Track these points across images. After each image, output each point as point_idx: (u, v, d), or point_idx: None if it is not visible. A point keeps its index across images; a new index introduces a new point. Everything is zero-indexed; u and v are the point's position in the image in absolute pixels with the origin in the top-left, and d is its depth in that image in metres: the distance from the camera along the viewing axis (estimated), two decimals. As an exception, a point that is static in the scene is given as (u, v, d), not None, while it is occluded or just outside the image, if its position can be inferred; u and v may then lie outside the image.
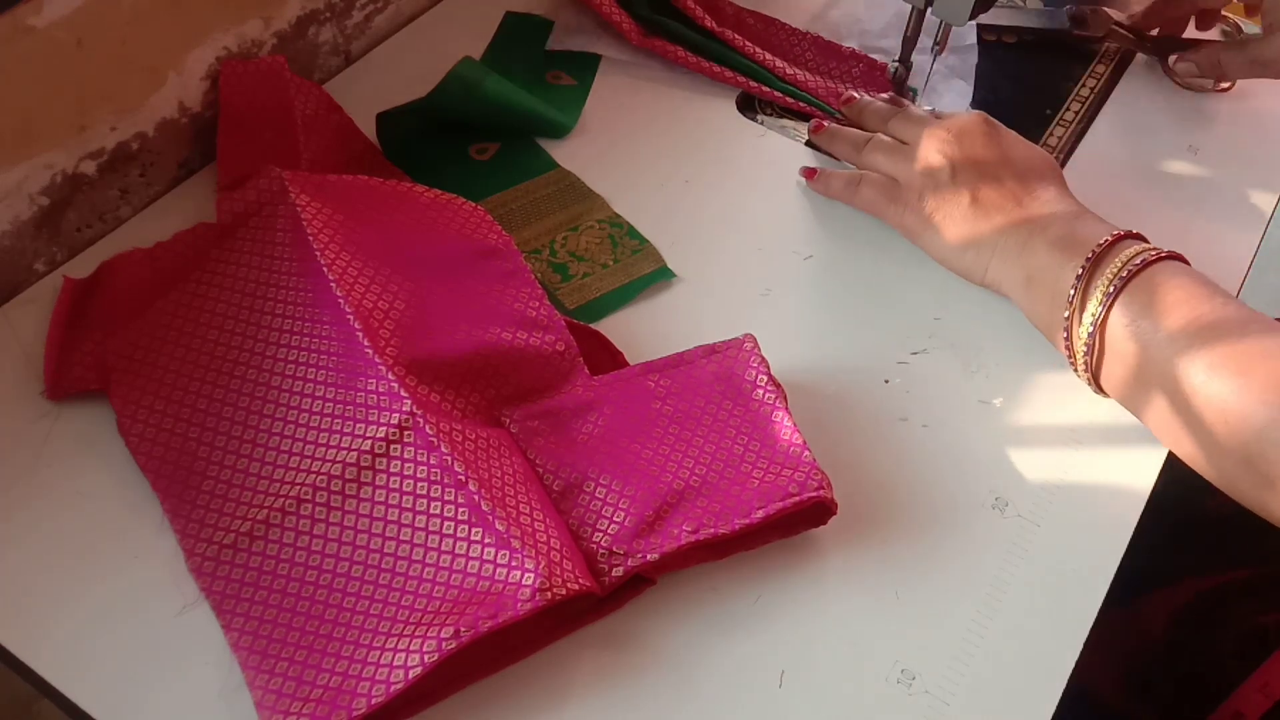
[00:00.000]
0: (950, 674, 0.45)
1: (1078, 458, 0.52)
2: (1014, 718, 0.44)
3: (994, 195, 0.55)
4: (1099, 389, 0.52)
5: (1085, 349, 0.50)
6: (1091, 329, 0.49)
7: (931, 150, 0.56)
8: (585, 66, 0.69)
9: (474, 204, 0.55)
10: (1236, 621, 0.68)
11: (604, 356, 0.53)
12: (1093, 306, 0.49)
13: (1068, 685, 0.45)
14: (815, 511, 0.46)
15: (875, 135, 0.61)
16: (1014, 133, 0.58)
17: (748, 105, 0.68)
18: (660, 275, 0.58)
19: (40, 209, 0.53)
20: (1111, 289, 0.49)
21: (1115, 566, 0.48)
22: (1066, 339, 0.51)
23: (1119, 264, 0.49)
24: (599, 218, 0.60)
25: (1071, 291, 0.50)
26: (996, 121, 0.58)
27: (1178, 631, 0.70)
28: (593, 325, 0.55)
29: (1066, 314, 0.50)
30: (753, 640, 0.45)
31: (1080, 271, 0.50)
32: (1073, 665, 0.45)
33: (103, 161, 0.55)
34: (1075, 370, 0.52)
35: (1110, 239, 0.50)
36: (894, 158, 0.58)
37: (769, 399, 0.48)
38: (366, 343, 0.47)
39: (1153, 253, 0.49)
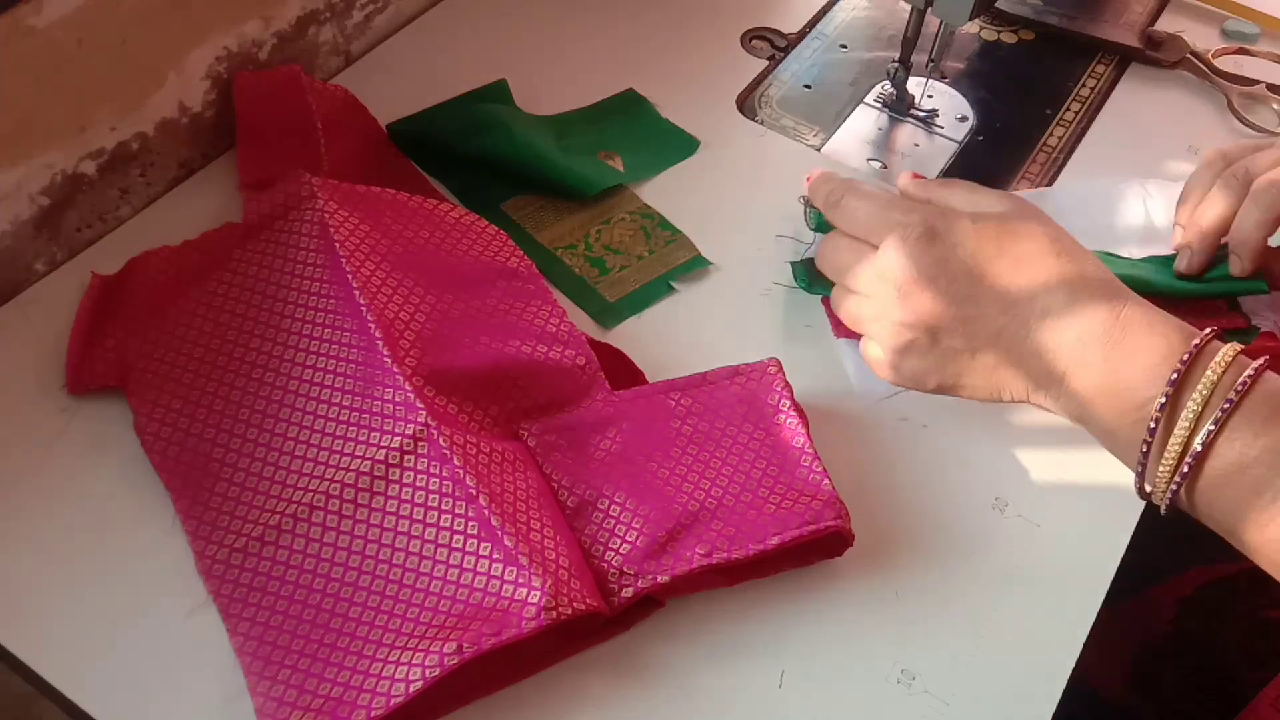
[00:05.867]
0: (950, 674, 0.45)
1: (1078, 458, 0.52)
2: (1014, 718, 0.44)
3: (993, 333, 0.45)
4: (1173, 514, 0.43)
5: (1172, 486, 0.41)
6: (1186, 464, 0.40)
7: (893, 319, 0.46)
8: (643, 168, 0.63)
9: (497, 228, 0.56)
10: (1242, 615, 0.68)
11: (624, 376, 0.53)
12: (1179, 434, 0.40)
13: (1070, 682, 0.45)
14: (831, 542, 0.46)
15: (824, 265, 0.51)
16: (957, 210, 0.47)
17: (747, 105, 0.68)
18: (696, 264, 0.58)
19: (40, 209, 0.53)
20: (1213, 422, 0.40)
21: (1115, 566, 0.49)
22: (1141, 468, 0.42)
23: (1212, 378, 0.40)
24: (629, 209, 0.61)
25: (1153, 424, 0.41)
26: (935, 226, 0.46)
27: (1183, 625, 0.70)
28: (618, 321, 0.56)
29: (1151, 428, 0.41)
30: (752, 640, 0.45)
31: (1168, 389, 0.41)
32: (1073, 665, 0.45)
33: (103, 161, 0.55)
34: (1144, 496, 0.43)
35: (1202, 340, 0.41)
36: (860, 317, 0.49)
37: (790, 424, 0.48)
38: (386, 352, 0.47)
39: (1255, 365, 0.41)
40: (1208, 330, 0.42)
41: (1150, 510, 0.50)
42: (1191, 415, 0.40)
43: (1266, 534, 0.39)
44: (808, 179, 0.53)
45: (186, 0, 0.55)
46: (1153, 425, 0.41)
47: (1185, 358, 0.41)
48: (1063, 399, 0.44)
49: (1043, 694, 0.45)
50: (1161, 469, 0.41)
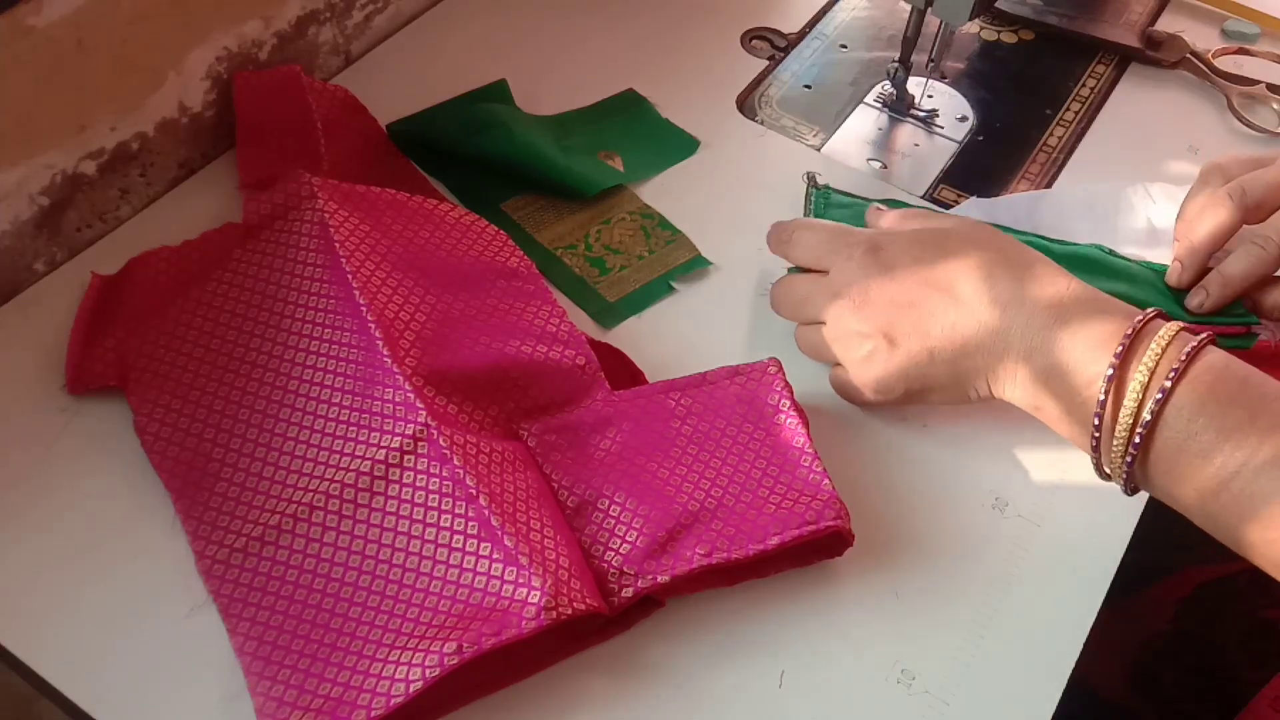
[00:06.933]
0: (950, 674, 0.45)
1: (1078, 458, 0.52)
2: (1014, 718, 0.44)
3: (947, 329, 0.47)
4: (1134, 492, 0.45)
5: (1126, 458, 0.43)
6: (1138, 434, 0.42)
7: (850, 327, 0.49)
8: (643, 168, 0.63)
9: (497, 228, 0.56)
10: (1242, 615, 0.68)
11: (624, 376, 0.53)
12: (1129, 406, 0.42)
13: (1070, 682, 0.45)
14: (831, 542, 0.46)
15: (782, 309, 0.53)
16: (902, 239, 0.49)
17: (747, 105, 0.68)
18: (696, 264, 0.58)
19: (40, 209, 0.53)
20: (1159, 392, 0.41)
21: (1115, 566, 0.48)
22: (1095, 444, 0.44)
23: (1156, 351, 0.42)
24: (629, 209, 0.61)
25: (1102, 395, 0.43)
26: (872, 247, 0.49)
27: (1183, 625, 0.70)
28: (618, 321, 0.56)
29: (1097, 413, 0.43)
30: (752, 640, 0.45)
31: (1114, 362, 0.43)
32: (1073, 665, 0.45)
33: (103, 161, 0.55)
34: (1101, 473, 0.45)
35: (1142, 320, 0.43)
36: (825, 341, 0.51)
37: (790, 424, 0.48)
38: (386, 352, 0.47)
39: (1194, 342, 0.42)
40: (1150, 310, 0.44)
41: (1150, 509, 0.50)
42: (1139, 388, 0.42)
43: (1220, 501, 0.41)
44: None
45: (186, 0, 0.55)
46: (1102, 398, 0.42)
47: (1129, 332, 0.43)
48: (1020, 386, 0.46)
49: (1043, 694, 0.45)
50: (1115, 444, 0.43)
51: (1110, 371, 0.42)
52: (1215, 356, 0.42)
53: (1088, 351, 0.44)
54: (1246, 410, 0.41)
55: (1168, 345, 0.42)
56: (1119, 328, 0.43)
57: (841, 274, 0.49)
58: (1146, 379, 0.42)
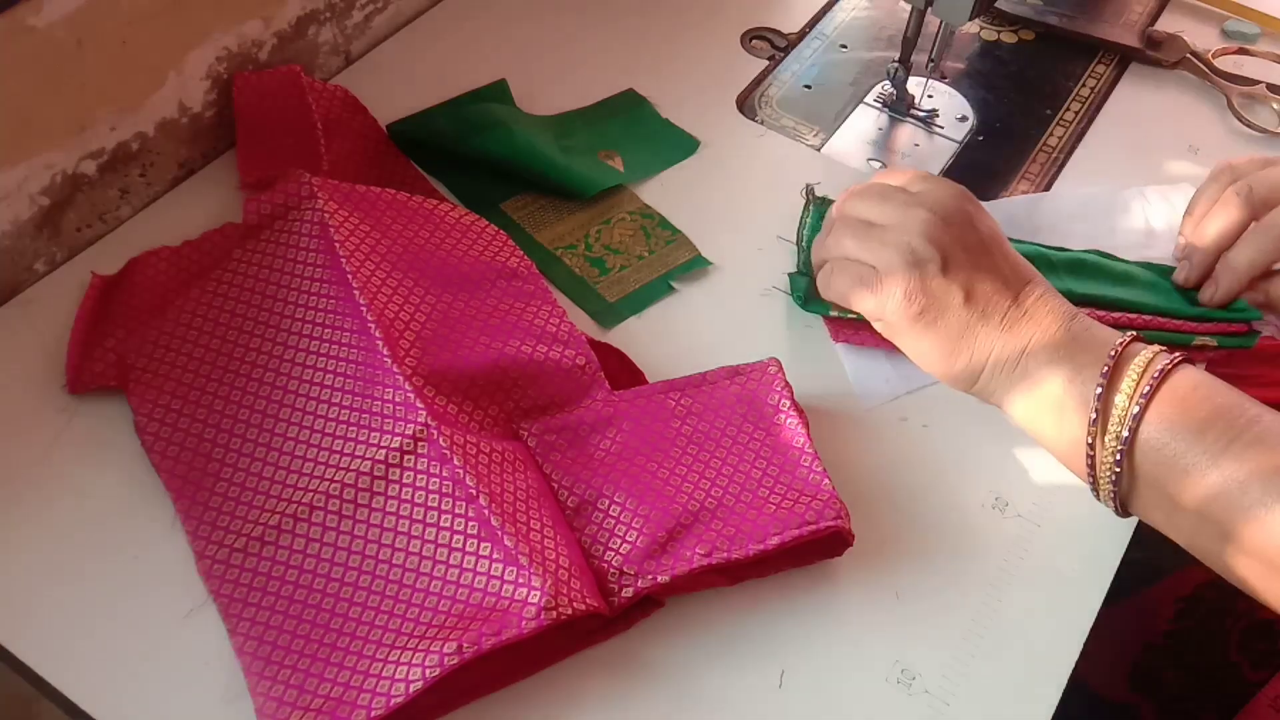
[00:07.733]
0: (950, 674, 0.45)
1: (1077, 458, 0.52)
2: (1014, 718, 0.44)
3: (989, 291, 0.47)
4: (1124, 513, 0.46)
5: (1112, 475, 0.44)
6: (1119, 453, 0.43)
7: (916, 234, 0.47)
8: (643, 168, 0.63)
9: (497, 228, 0.56)
10: (1242, 615, 0.68)
11: (624, 376, 0.53)
12: (1114, 426, 0.44)
13: (1070, 682, 0.45)
14: (831, 542, 0.46)
15: (841, 215, 0.51)
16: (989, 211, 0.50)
17: (747, 105, 0.68)
18: (696, 264, 0.58)
19: (40, 209, 0.53)
20: (1136, 408, 0.43)
21: (1115, 566, 0.49)
22: (1090, 462, 0.45)
23: (1135, 373, 0.44)
24: (629, 209, 0.61)
25: (1094, 412, 0.44)
26: (974, 198, 0.50)
27: (1183, 624, 0.70)
28: (618, 321, 0.56)
29: (1090, 434, 0.44)
30: (752, 640, 0.45)
31: (1101, 384, 0.44)
32: (1073, 665, 0.45)
33: (103, 161, 0.55)
34: (1096, 494, 0.46)
35: (1121, 344, 0.45)
36: (867, 242, 0.49)
37: (790, 424, 0.48)
38: (386, 352, 0.47)
39: (1168, 359, 0.44)
40: (1129, 333, 0.46)
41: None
42: (1120, 412, 0.43)
43: (1199, 494, 0.42)
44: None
45: (186, 0, 0.55)
46: (1090, 440, 0.44)
47: (1105, 370, 0.44)
48: (1014, 393, 0.46)
49: (1043, 694, 0.45)
50: (1102, 466, 0.44)
51: (1096, 405, 0.44)
52: (1185, 375, 0.44)
53: (1083, 384, 0.45)
54: (1209, 419, 0.42)
55: (1144, 369, 0.44)
56: (1103, 356, 0.45)
57: (939, 189, 0.49)
58: (1126, 403, 0.43)
